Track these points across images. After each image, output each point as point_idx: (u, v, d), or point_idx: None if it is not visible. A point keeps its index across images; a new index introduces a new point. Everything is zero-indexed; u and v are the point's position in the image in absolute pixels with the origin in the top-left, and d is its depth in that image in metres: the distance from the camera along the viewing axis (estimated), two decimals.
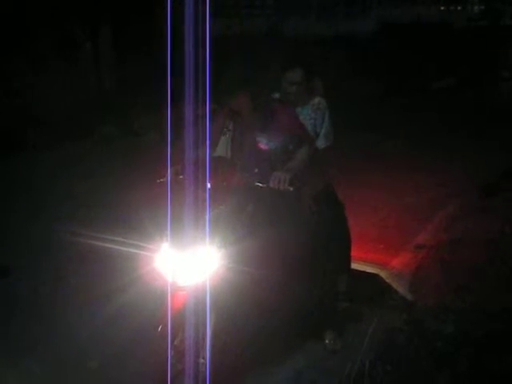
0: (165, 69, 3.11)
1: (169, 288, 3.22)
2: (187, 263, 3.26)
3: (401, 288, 4.94)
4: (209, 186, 3.12)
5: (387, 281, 5.02)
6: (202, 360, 3.30)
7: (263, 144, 3.78)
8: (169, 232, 3.21)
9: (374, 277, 5.06)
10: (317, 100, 4.21)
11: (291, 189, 3.56)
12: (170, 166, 3.56)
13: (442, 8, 19.69)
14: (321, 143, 4.21)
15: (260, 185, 3.62)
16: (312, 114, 4.19)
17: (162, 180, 3.63)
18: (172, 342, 3.27)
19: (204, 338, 3.23)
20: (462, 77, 10.16)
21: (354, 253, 4.52)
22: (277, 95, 4.16)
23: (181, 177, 3.55)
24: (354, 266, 4.75)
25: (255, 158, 3.76)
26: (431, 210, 6.18)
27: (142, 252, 3.59)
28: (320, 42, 9.69)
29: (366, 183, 6.21)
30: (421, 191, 6.51)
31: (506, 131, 7.98)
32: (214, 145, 3.84)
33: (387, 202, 6.13)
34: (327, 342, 4.21)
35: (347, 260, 4.44)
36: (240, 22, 11.18)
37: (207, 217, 3.09)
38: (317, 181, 4.16)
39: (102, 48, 9.65)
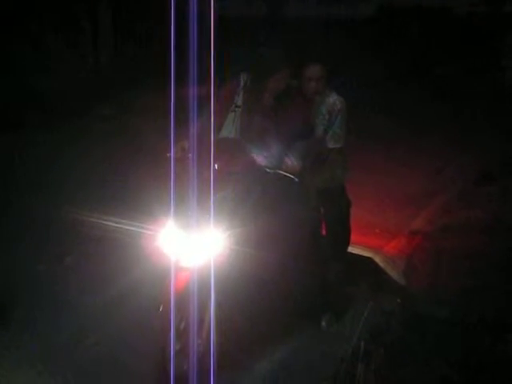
0: (165, 48, 3.10)
1: (172, 268, 3.23)
2: (191, 243, 3.25)
3: (395, 272, 4.99)
4: (216, 167, 3.11)
5: (382, 265, 5.07)
6: (203, 340, 3.32)
7: (271, 126, 3.76)
8: (172, 211, 3.19)
9: (369, 260, 5.08)
10: (332, 100, 4.15)
11: (296, 179, 3.57)
12: (175, 142, 3.49)
13: None
14: (329, 144, 4.18)
15: (268, 170, 3.61)
16: (326, 114, 4.14)
17: (169, 154, 3.51)
18: (176, 322, 3.28)
19: (207, 319, 3.25)
20: (465, 63, 10.09)
21: None
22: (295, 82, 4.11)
23: (189, 155, 3.44)
24: (350, 249, 4.80)
25: (265, 140, 3.73)
26: (429, 195, 6.21)
27: (145, 231, 3.58)
28: (320, 25, 9.60)
29: (364, 167, 6.22)
30: (420, 177, 6.54)
31: (506, 119, 7.97)
32: (220, 122, 3.80)
33: (385, 186, 6.16)
34: (324, 323, 4.27)
35: (343, 251, 4.47)
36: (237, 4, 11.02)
37: (212, 198, 3.08)
38: (324, 177, 4.18)
39: (101, 27, 9.53)
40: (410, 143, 7.23)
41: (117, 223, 4.24)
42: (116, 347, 3.88)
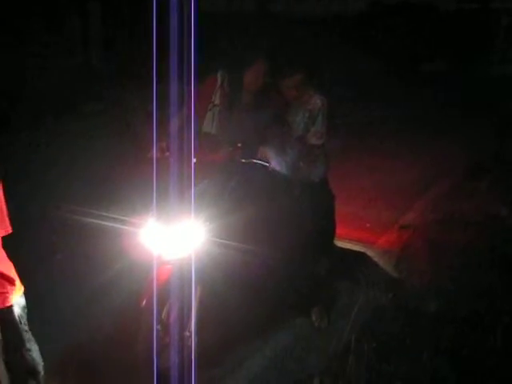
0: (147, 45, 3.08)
1: (154, 262, 3.23)
2: (172, 237, 3.26)
3: (387, 266, 4.98)
4: (194, 160, 3.11)
5: (373, 259, 5.06)
6: (187, 333, 3.31)
7: (251, 120, 3.77)
8: (154, 207, 3.21)
9: (360, 255, 5.10)
10: (313, 99, 4.09)
11: (271, 166, 3.58)
12: (156, 142, 3.53)
13: None
14: (310, 141, 4.15)
15: (243, 160, 3.63)
16: (307, 112, 4.08)
17: (150, 155, 3.60)
18: (158, 315, 3.29)
19: (189, 312, 3.24)
20: (452, 60, 10.12)
21: (340, 230, 4.56)
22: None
23: (167, 153, 3.53)
24: (341, 243, 4.79)
25: (241, 132, 3.76)
26: (420, 189, 6.20)
27: (127, 227, 3.58)
28: (309, 21, 9.59)
29: (354, 163, 6.22)
30: (410, 171, 6.52)
31: (495, 114, 7.98)
32: (200, 120, 3.83)
33: (376, 181, 6.14)
34: (314, 318, 4.24)
35: (329, 245, 4.45)
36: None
37: (192, 191, 3.09)
38: (305, 173, 4.16)
39: (91, 23, 9.51)
40: (400, 138, 7.22)
41: (101, 220, 4.24)
42: (100, 342, 3.89)
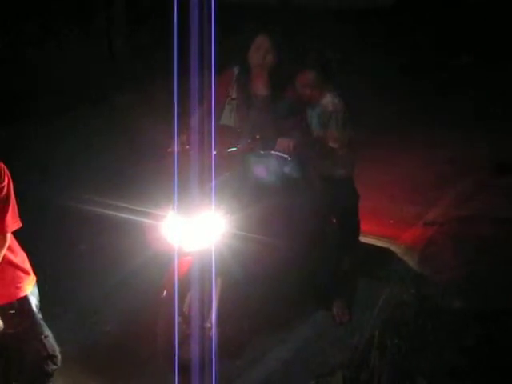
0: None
1: (175, 254, 3.26)
2: (193, 229, 3.29)
3: (410, 262, 4.95)
4: (214, 153, 3.14)
5: (397, 255, 5.03)
6: (208, 325, 3.34)
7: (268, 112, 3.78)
8: (175, 199, 3.25)
9: (384, 250, 5.06)
10: (326, 101, 4.03)
11: (289, 158, 3.59)
12: (177, 136, 3.56)
13: None
14: (328, 142, 4.10)
15: (262, 152, 3.64)
16: (321, 115, 4.04)
17: (170, 150, 3.64)
18: (179, 307, 3.32)
19: (210, 304, 3.27)
20: (480, 53, 9.89)
21: (363, 226, 4.55)
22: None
23: (187, 147, 3.57)
24: (364, 239, 4.77)
25: (259, 124, 3.77)
26: (444, 185, 6.14)
27: (149, 219, 3.62)
28: (329, 14, 9.47)
29: (377, 158, 6.18)
30: (434, 167, 6.47)
31: None
32: (219, 113, 3.85)
33: (398, 176, 6.10)
34: (335, 312, 4.24)
35: (350, 243, 4.45)
36: None
37: (212, 184, 3.12)
38: (327, 173, 4.15)
39: (115, 15, 9.50)
40: (425, 133, 7.15)
41: (123, 213, 4.29)
42: (122, 332, 3.96)
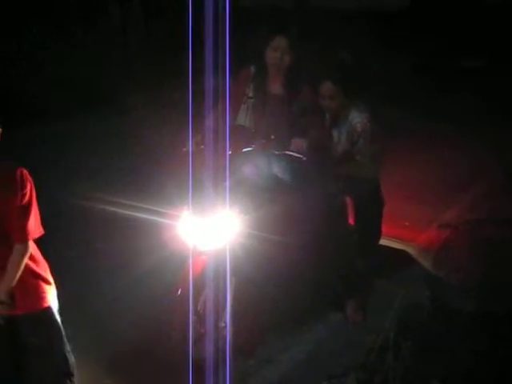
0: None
1: (190, 253, 3.27)
2: (207, 229, 3.30)
3: (425, 264, 4.93)
4: (229, 153, 3.16)
5: (412, 257, 5.01)
6: (222, 324, 3.35)
7: (283, 111, 3.79)
8: (190, 199, 3.26)
9: (399, 252, 5.07)
10: (356, 120, 4.01)
11: (304, 158, 3.59)
12: (192, 136, 3.58)
13: None
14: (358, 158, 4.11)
15: (277, 152, 3.65)
16: (350, 133, 4.04)
17: (185, 149, 3.65)
18: (194, 306, 3.32)
19: (224, 303, 3.28)
20: (494, 55, 9.79)
21: None
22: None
23: (202, 147, 3.58)
24: (380, 241, 4.75)
25: (274, 124, 3.78)
26: (459, 188, 6.11)
27: (164, 218, 3.64)
28: (344, 16, 9.43)
29: (392, 160, 6.16)
30: (449, 169, 6.44)
31: None
32: (234, 113, 3.86)
33: (413, 178, 6.08)
34: (349, 313, 4.24)
35: (368, 246, 4.43)
36: None
37: (227, 184, 3.13)
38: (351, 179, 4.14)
39: (130, 14, 9.52)
40: (439, 135, 7.12)
41: (138, 212, 4.31)
42: (137, 330, 3.97)
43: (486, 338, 3.89)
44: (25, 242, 2.78)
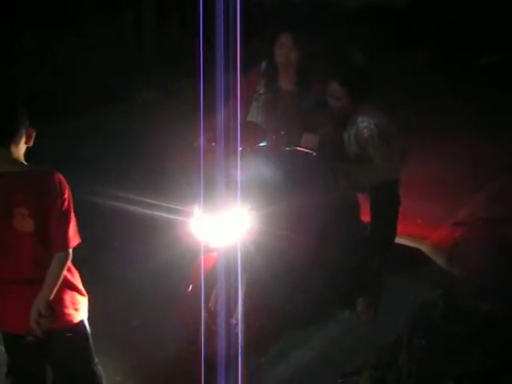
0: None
1: (202, 250, 3.27)
2: (219, 225, 3.30)
3: (438, 263, 4.91)
4: (240, 149, 3.16)
5: (425, 255, 4.99)
6: (233, 321, 3.35)
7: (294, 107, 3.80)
8: (201, 195, 3.26)
9: (412, 250, 5.04)
10: (363, 124, 3.93)
11: (314, 154, 3.58)
12: (203, 132, 3.57)
13: None
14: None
15: (287, 148, 3.65)
16: (358, 137, 3.98)
17: (196, 144, 3.64)
18: (205, 302, 3.33)
19: (236, 300, 3.28)
20: (506, 52, 9.61)
21: None
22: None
23: (213, 143, 3.58)
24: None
25: (284, 120, 3.79)
26: (473, 186, 6.08)
27: (175, 215, 3.65)
28: (353, 13, 9.37)
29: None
30: (463, 167, 6.40)
31: None
32: (245, 110, 3.88)
33: (426, 176, 6.05)
34: (359, 310, 4.22)
35: (383, 247, 4.40)
36: None
37: (238, 180, 3.13)
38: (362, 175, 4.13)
39: (144, 10, 9.53)
40: (453, 132, 7.07)
41: (150, 209, 4.33)
42: (150, 326, 3.98)
43: (500, 338, 3.86)
44: (66, 249, 2.69)
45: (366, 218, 4.45)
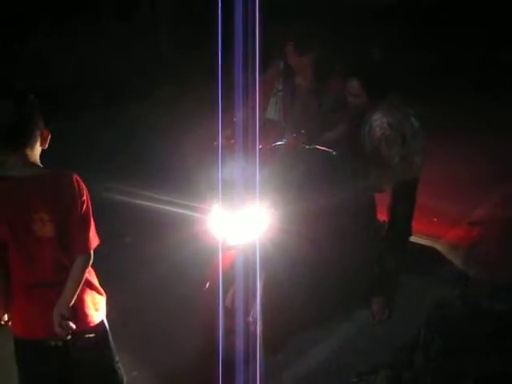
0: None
1: (220, 247, 3.26)
2: (237, 223, 3.29)
3: (454, 262, 4.88)
4: (259, 147, 3.15)
5: (441, 254, 4.96)
6: (251, 319, 3.34)
7: (313, 105, 3.79)
8: (220, 193, 3.25)
9: (428, 249, 5.02)
10: (376, 123, 3.90)
11: (334, 153, 3.57)
12: (222, 130, 3.58)
13: None
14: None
15: (307, 147, 3.63)
16: (371, 135, 3.94)
17: (216, 143, 3.65)
18: (223, 300, 3.32)
19: (253, 298, 3.27)
20: None
21: None
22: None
23: (232, 141, 3.58)
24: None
25: (304, 118, 3.78)
26: (489, 185, 6.05)
27: (193, 212, 3.64)
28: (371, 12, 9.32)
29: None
30: (479, 166, 6.38)
31: None
32: (264, 107, 3.88)
33: (442, 174, 6.02)
34: (374, 309, 4.21)
35: (399, 246, 4.39)
36: None
37: (257, 178, 3.12)
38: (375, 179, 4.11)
39: (161, 9, 9.55)
40: (471, 133, 7.04)
41: (169, 206, 4.33)
42: (166, 323, 3.98)
43: None
44: (87, 252, 2.64)
45: (382, 216, 4.45)
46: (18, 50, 8.06)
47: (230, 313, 3.37)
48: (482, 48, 9.55)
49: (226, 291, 3.38)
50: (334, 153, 3.63)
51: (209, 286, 3.38)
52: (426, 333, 3.86)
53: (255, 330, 3.31)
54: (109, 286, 2.87)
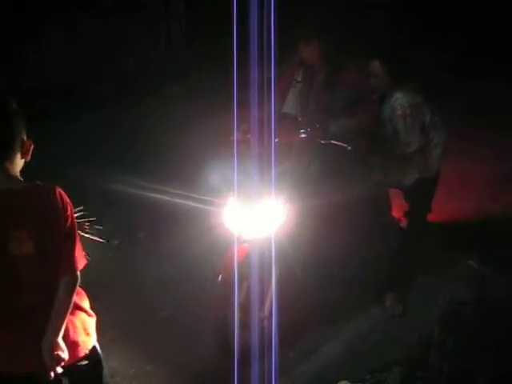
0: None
1: (235, 241, 3.26)
2: (252, 217, 3.29)
3: (469, 260, 4.85)
4: (275, 141, 3.15)
5: (455, 251, 4.93)
6: (265, 314, 3.34)
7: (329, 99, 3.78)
8: (235, 187, 3.25)
9: (442, 246, 4.92)
10: (397, 102, 3.86)
11: (349, 148, 3.55)
12: (237, 124, 3.56)
13: None
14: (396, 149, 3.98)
15: (323, 141, 3.62)
16: (392, 118, 3.90)
17: (232, 138, 3.64)
18: (237, 294, 3.31)
19: (268, 292, 3.27)
20: None
21: None
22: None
23: (248, 135, 3.57)
24: None
25: (319, 113, 3.77)
26: (502, 184, 6.01)
27: (209, 206, 3.64)
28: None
29: None
30: (491, 166, 6.34)
31: None
32: (282, 99, 3.88)
33: (458, 174, 5.98)
34: (388, 305, 4.19)
35: (414, 243, 4.34)
36: None
37: (273, 172, 3.12)
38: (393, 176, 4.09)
39: (172, 3, 9.54)
40: (485, 133, 6.99)
41: (184, 200, 4.34)
42: (180, 318, 3.99)
43: None
44: (73, 272, 2.37)
45: (397, 213, 4.43)
46: (20, 46, 8.05)
47: (243, 308, 3.36)
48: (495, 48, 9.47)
49: (239, 285, 3.38)
50: (349, 148, 3.61)
51: (221, 278, 3.37)
52: (440, 330, 3.84)
53: (268, 325, 3.31)
54: (123, 280, 2.85)
